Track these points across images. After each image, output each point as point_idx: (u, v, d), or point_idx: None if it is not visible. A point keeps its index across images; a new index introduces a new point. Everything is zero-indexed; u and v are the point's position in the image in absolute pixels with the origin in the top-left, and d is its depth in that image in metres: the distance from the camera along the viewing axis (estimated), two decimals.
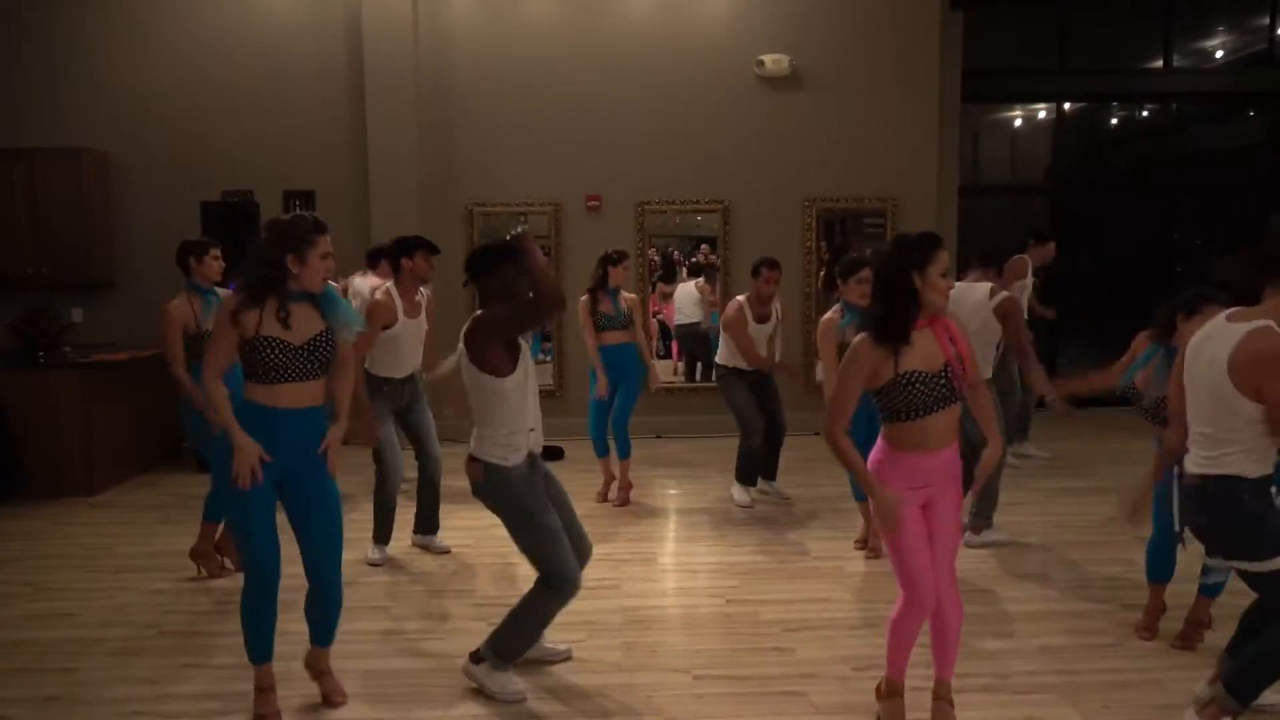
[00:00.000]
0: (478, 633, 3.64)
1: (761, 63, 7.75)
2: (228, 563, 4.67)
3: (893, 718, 3.07)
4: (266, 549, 3.10)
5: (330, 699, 3.32)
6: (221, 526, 4.62)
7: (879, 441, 2.97)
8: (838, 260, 7.35)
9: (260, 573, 3.12)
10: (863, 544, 4.96)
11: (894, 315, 2.81)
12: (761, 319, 5.74)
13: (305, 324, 3.05)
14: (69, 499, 6.13)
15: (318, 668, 3.37)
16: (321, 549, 3.19)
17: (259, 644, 3.20)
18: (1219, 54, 9.61)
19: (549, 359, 8.45)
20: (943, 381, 2.84)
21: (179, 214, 7.32)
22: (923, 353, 2.84)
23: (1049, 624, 3.98)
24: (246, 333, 2.97)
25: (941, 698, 3.08)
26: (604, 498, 6.00)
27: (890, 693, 3.07)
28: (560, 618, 4.03)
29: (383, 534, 4.86)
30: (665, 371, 8.55)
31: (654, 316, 8.77)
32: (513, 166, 7.81)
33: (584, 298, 5.88)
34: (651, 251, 8.22)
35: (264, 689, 3.22)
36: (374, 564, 4.79)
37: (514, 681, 3.38)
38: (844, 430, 2.87)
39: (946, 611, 3.00)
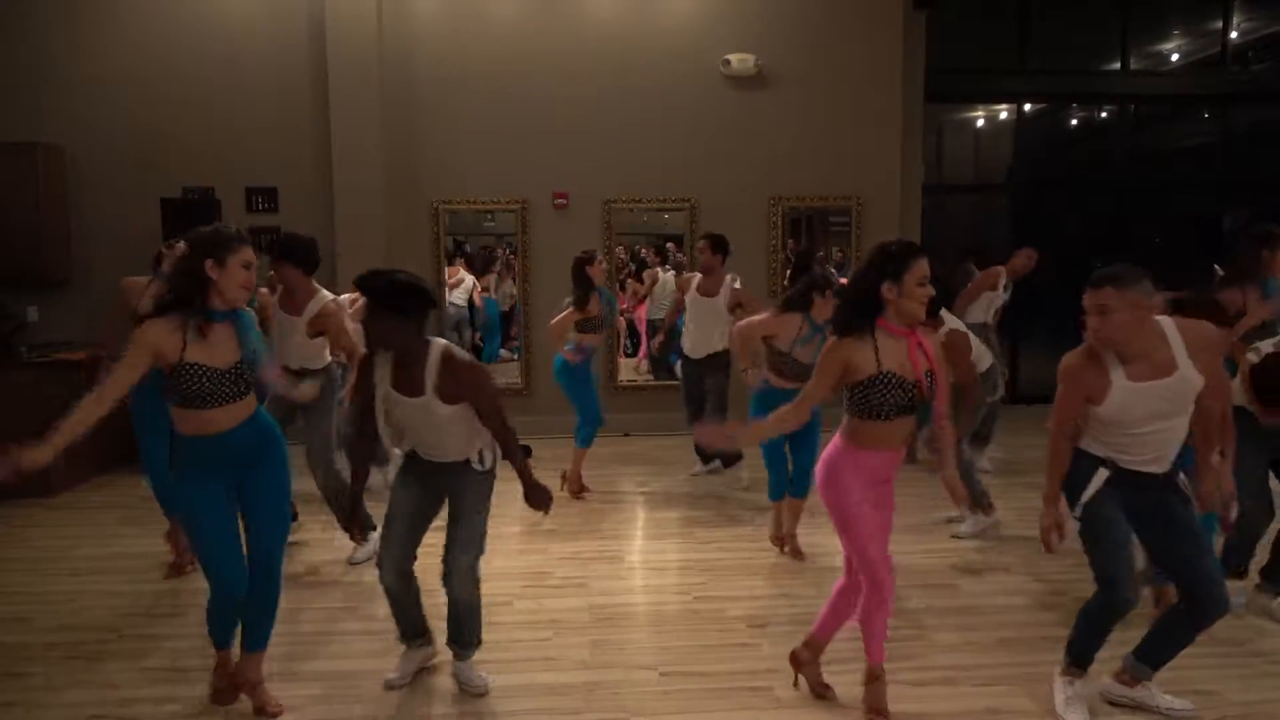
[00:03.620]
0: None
1: (727, 62, 7.78)
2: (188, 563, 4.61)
3: (875, 701, 3.14)
4: (226, 563, 3.07)
5: (267, 710, 3.24)
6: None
7: (838, 440, 3.05)
8: (804, 260, 7.42)
9: (220, 585, 3.10)
10: (780, 541, 4.94)
11: (852, 311, 2.97)
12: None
13: (226, 348, 2.99)
14: (25, 500, 5.99)
15: (252, 679, 3.27)
16: (272, 528, 3.18)
17: (220, 634, 3.25)
18: (1174, 56, 9.82)
19: (515, 357, 8.44)
20: (913, 392, 2.94)
21: (138, 210, 7.20)
22: (897, 360, 2.94)
23: (1007, 617, 4.05)
24: (169, 359, 2.90)
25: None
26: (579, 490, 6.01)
27: (871, 678, 3.16)
28: (527, 616, 4.09)
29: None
30: (628, 369, 8.58)
31: (622, 314, 8.79)
32: (479, 163, 7.77)
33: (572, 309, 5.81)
34: (619, 249, 8.24)
35: (219, 667, 3.29)
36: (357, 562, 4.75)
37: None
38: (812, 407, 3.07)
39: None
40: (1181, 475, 3.02)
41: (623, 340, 8.77)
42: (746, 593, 4.37)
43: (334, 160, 7.43)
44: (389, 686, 3.45)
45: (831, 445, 3.06)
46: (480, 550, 3.34)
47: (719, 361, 6.00)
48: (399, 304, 3.05)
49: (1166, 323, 2.91)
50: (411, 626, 3.52)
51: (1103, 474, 2.99)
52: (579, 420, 5.98)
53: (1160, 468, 2.97)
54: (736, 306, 5.88)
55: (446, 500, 3.37)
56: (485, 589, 3.47)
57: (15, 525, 5.58)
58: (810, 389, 3.00)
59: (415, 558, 3.40)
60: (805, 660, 3.32)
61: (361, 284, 3.10)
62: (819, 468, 3.07)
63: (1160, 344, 2.86)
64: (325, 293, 4.68)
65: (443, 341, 3.15)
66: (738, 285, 5.95)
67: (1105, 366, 2.89)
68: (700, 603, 4.26)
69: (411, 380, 3.11)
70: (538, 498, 3.30)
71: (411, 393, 3.12)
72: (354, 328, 4.39)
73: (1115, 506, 3.01)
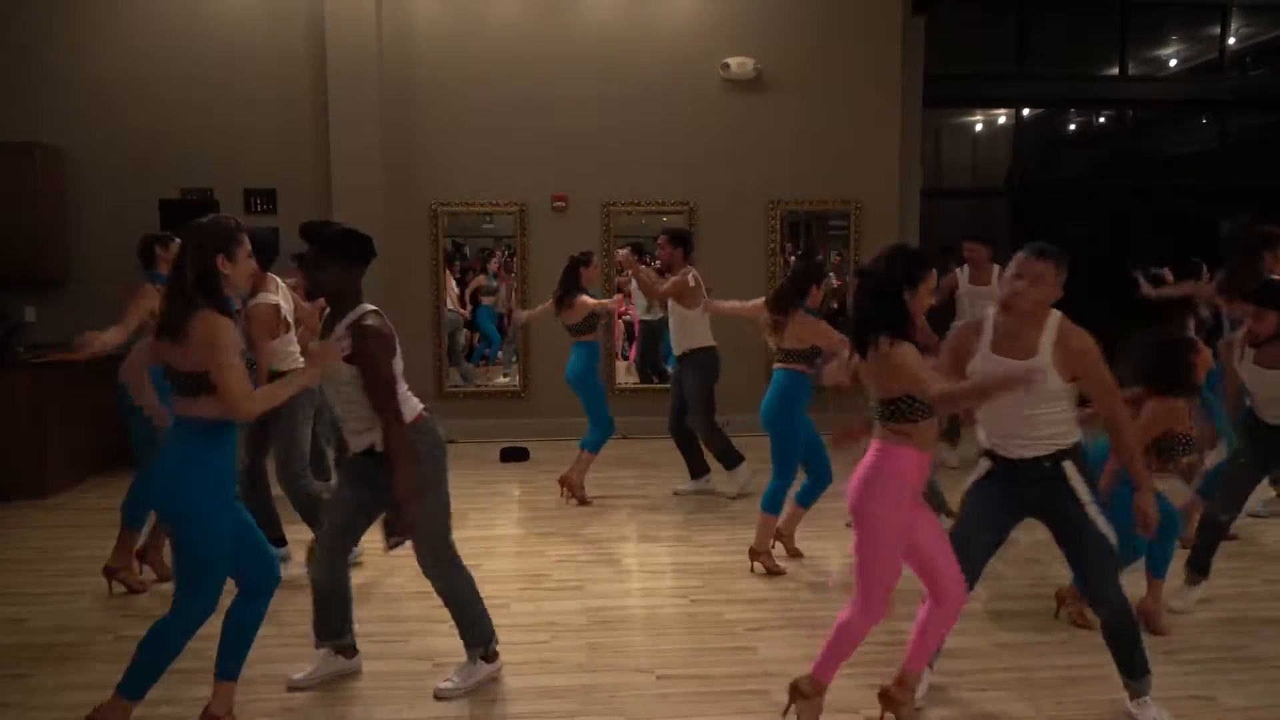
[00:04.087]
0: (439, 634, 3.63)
1: (727, 65, 7.79)
2: (150, 571, 4.50)
3: (811, 717, 3.03)
4: (222, 580, 2.95)
5: None
6: (145, 532, 4.49)
7: (893, 448, 2.84)
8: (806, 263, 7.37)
9: (209, 607, 2.94)
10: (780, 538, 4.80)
11: (908, 319, 2.86)
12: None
13: None
14: (21, 501, 6.00)
15: (228, 706, 3.08)
16: (260, 537, 3.11)
17: (151, 680, 2.98)
18: (1173, 62, 9.85)
19: (515, 360, 8.42)
20: None
21: (136, 211, 7.20)
22: None
23: (1003, 622, 4.05)
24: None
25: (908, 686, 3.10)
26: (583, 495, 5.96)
27: (816, 691, 3.02)
28: (524, 619, 4.08)
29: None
30: (623, 372, 8.57)
31: (620, 318, 8.78)
32: (478, 165, 7.78)
33: (592, 300, 5.78)
34: (618, 253, 8.24)
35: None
36: None
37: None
38: None
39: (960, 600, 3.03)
40: (1068, 463, 2.94)
41: (619, 344, 8.77)
42: (743, 596, 4.37)
43: (333, 161, 7.44)
44: (292, 686, 3.39)
45: (885, 455, 2.84)
46: (435, 542, 3.28)
47: (692, 360, 5.84)
48: (339, 250, 3.14)
49: (1055, 316, 2.95)
50: (326, 624, 3.42)
51: (984, 464, 3.06)
52: (591, 426, 5.90)
53: (1028, 452, 2.95)
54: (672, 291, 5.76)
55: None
56: (481, 591, 3.46)
57: (12, 526, 5.57)
58: (939, 383, 2.77)
59: (346, 553, 3.40)
60: (902, 700, 3.10)
61: (305, 230, 3.16)
62: (865, 478, 2.85)
63: (1037, 331, 2.90)
64: (269, 295, 4.37)
65: (373, 306, 3.17)
66: (689, 277, 5.74)
67: (981, 334, 2.99)
68: (697, 606, 4.26)
69: (330, 330, 3.18)
70: (402, 496, 3.06)
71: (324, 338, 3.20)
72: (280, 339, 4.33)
73: (991, 505, 3.06)
